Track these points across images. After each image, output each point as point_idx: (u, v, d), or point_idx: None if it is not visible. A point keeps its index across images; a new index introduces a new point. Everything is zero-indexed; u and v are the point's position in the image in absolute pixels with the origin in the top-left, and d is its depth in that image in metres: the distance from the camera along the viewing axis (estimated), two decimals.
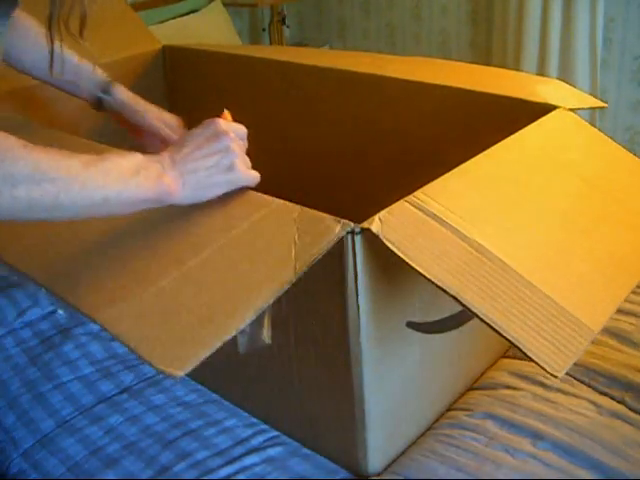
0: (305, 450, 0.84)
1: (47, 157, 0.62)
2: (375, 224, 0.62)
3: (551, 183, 0.81)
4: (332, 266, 0.66)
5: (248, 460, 0.82)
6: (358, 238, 0.63)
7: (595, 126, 0.97)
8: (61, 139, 0.94)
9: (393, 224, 0.63)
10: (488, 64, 2.27)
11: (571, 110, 0.95)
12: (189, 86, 1.08)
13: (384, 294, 0.71)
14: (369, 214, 0.65)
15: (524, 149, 0.84)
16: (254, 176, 0.73)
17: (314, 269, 0.61)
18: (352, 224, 0.63)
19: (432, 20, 2.60)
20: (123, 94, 1.06)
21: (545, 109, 0.93)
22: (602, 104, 1.03)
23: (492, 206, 0.73)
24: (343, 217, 0.64)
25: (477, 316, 0.59)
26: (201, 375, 0.95)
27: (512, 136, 0.84)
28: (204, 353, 0.53)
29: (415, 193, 0.68)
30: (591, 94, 1.06)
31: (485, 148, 0.80)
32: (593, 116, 2.15)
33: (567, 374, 0.83)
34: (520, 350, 0.59)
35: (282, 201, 0.69)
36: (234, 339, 0.57)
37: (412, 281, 0.72)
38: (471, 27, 2.51)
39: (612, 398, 0.87)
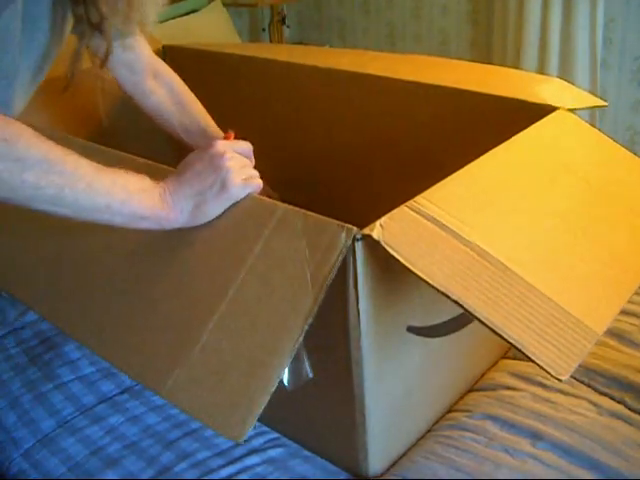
0: (306, 452, 0.84)
1: (57, 150, 0.64)
2: (376, 230, 0.62)
3: (552, 185, 0.81)
4: None
5: (249, 460, 0.83)
6: (359, 244, 0.63)
7: (595, 126, 0.97)
8: (63, 140, 0.94)
9: (394, 230, 0.63)
10: (488, 64, 2.26)
11: (571, 110, 0.95)
12: (189, 86, 1.09)
13: (385, 299, 0.71)
14: (368, 214, 0.65)
15: (524, 151, 0.84)
16: (251, 187, 0.72)
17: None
18: (355, 229, 0.63)
19: (432, 20, 2.59)
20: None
21: (545, 110, 0.93)
22: (603, 103, 1.02)
23: (493, 209, 0.73)
24: (343, 219, 0.64)
25: (480, 320, 0.59)
26: None
27: (512, 138, 0.84)
28: (257, 411, 0.60)
29: (416, 198, 0.68)
30: (591, 94, 1.05)
31: (485, 150, 0.80)
32: (593, 116, 2.15)
33: None
34: (524, 354, 0.58)
35: (284, 207, 0.68)
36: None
37: (413, 285, 0.72)
38: (471, 27, 2.50)
39: (612, 398, 0.87)
